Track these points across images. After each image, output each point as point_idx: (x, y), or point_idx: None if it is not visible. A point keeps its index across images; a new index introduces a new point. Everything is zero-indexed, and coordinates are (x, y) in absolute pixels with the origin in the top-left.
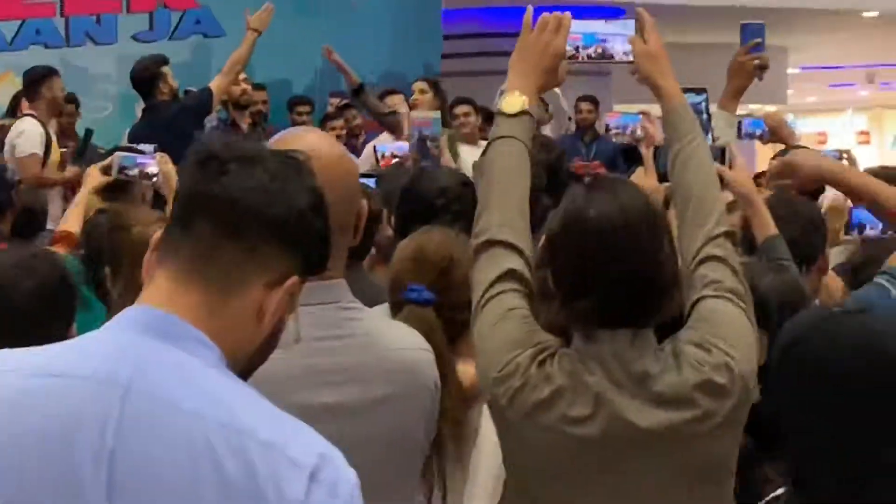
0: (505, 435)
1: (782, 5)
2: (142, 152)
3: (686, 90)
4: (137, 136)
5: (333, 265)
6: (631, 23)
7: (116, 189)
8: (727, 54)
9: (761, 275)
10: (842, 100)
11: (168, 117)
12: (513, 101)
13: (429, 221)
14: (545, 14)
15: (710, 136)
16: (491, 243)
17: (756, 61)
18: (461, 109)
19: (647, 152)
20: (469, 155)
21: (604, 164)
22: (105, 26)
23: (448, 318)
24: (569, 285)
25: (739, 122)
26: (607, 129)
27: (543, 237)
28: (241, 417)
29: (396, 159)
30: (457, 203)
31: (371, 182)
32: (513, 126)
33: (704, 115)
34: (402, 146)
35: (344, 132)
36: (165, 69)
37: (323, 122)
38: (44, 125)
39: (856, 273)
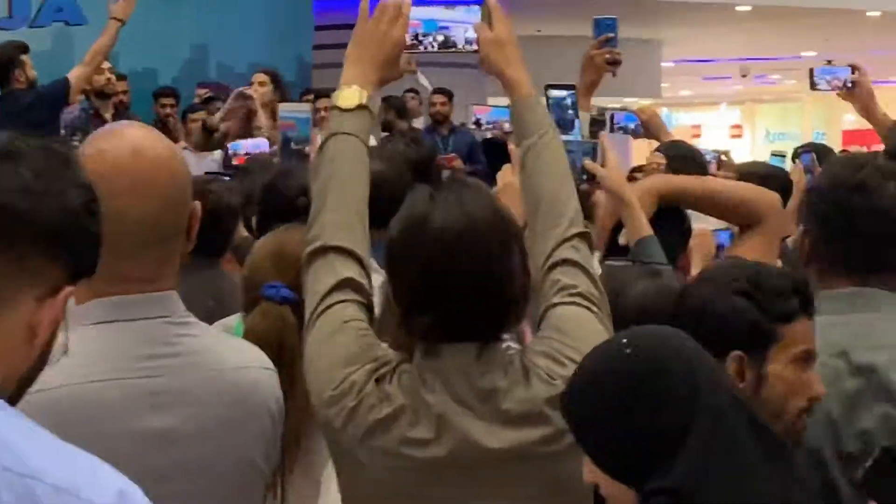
0: (340, 460)
1: None
2: None
3: (553, 86)
4: None
5: (162, 274)
6: (476, 9)
7: None
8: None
9: (634, 280)
10: (716, 93)
11: (22, 106)
12: (349, 94)
13: (290, 221)
14: (383, 1)
15: (577, 132)
16: (326, 249)
17: (607, 56)
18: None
19: (514, 148)
20: None
21: (461, 159)
22: None
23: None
24: (409, 297)
25: (611, 116)
26: (478, 123)
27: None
28: (25, 459)
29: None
30: None
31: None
32: (349, 121)
33: (571, 111)
34: (259, 143)
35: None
36: (24, 57)
37: (185, 114)
38: None
39: None
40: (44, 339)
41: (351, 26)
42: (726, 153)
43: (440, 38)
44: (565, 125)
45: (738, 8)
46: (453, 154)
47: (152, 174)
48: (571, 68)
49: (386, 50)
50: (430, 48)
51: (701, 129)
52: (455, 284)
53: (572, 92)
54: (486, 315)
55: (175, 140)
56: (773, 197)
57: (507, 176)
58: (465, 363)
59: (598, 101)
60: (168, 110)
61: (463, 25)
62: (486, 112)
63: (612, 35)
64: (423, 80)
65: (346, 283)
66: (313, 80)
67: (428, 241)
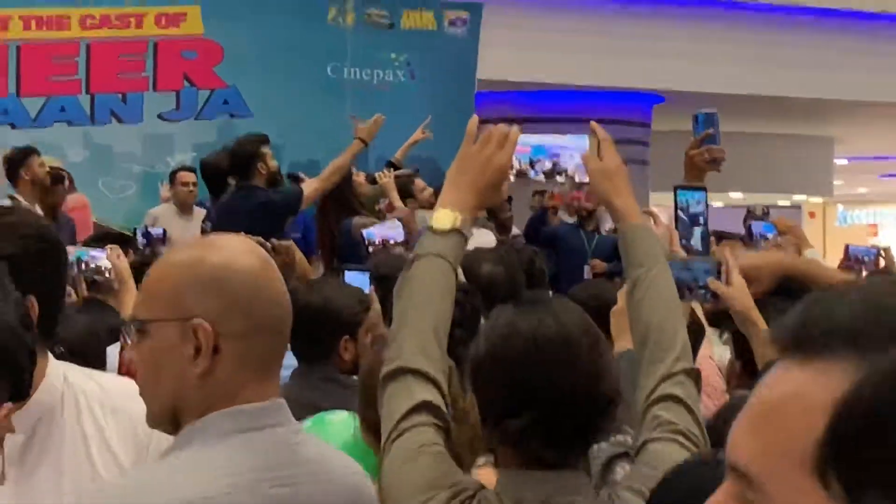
0: None
1: (827, 96)
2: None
3: (684, 188)
4: (220, 210)
5: (272, 381)
6: (584, 137)
7: None
8: (770, 142)
9: None
10: (892, 191)
11: (253, 205)
12: (443, 217)
13: None
14: (490, 128)
15: (705, 228)
16: (403, 371)
17: (706, 155)
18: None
19: None
20: None
21: (604, 259)
22: (131, 105)
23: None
24: (501, 405)
25: (749, 227)
26: (615, 231)
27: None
28: None
29: (388, 247)
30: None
31: (364, 277)
32: (440, 243)
33: (701, 214)
34: (393, 234)
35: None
36: (265, 149)
37: None
38: (27, 205)
39: None
40: None
41: (513, 120)
42: (886, 249)
43: (548, 164)
44: (697, 229)
45: None
46: (596, 259)
47: (254, 281)
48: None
49: (487, 175)
50: (538, 175)
51: (878, 228)
52: (548, 388)
53: (704, 193)
54: (578, 417)
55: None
56: None
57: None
58: (549, 491)
59: (767, 198)
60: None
61: (571, 152)
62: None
63: (711, 131)
64: (583, 177)
65: (422, 406)
66: None
67: (519, 346)
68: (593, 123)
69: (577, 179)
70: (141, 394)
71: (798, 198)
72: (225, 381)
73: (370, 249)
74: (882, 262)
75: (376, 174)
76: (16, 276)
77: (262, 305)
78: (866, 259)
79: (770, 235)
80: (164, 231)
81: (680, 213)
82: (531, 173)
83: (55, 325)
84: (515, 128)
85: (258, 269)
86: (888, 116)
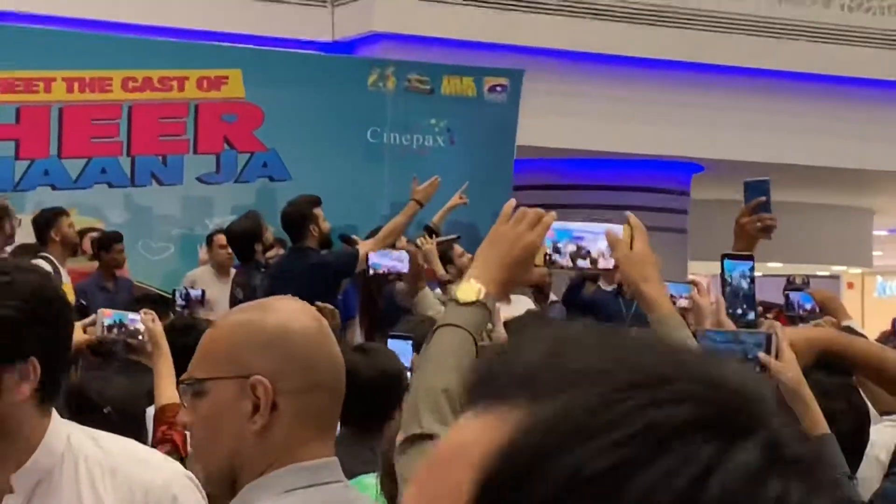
0: None
1: (867, 167)
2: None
3: (730, 256)
4: (273, 272)
5: (329, 439)
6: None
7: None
8: (811, 212)
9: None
10: None
11: (305, 266)
12: (468, 289)
13: None
14: (525, 208)
15: (753, 298)
16: (421, 437)
17: (758, 224)
18: None
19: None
20: None
21: (642, 326)
22: (171, 167)
23: None
24: None
25: (787, 297)
26: None
27: None
28: None
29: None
30: None
31: (407, 345)
32: (462, 315)
33: (749, 285)
34: (396, 264)
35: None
36: (317, 211)
37: None
38: (56, 265)
39: None
40: None
41: (551, 187)
42: None
43: (572, 247)
44: (744, 300)
45: None
46: (635, 329)
47: (310, 343)
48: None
49: (515, 252)
50: (565, 262)
51: None
52: None
53: (751, 264)
54: None
55: None
56: None
57: None
58: None
59: (807, 268)
60: None
61: (596, 235)
62: None
63: (763, 199)
64: None
65: None
66: None
67: None
68: (629, 214)
69: (599, 265)
70: (196, 457)
71: (837, 268)
72: (283, 439)
73: (371, 272)
74: None
75: (417, 240)
76: (13, 338)
77: (320, 363)
78: None
79: (808, 306)
80: (203, 292)
81: (727, 282)
82: (556, 257)
83: (59, 387)
84: (552, 213)
85: (314, 329)
86: None
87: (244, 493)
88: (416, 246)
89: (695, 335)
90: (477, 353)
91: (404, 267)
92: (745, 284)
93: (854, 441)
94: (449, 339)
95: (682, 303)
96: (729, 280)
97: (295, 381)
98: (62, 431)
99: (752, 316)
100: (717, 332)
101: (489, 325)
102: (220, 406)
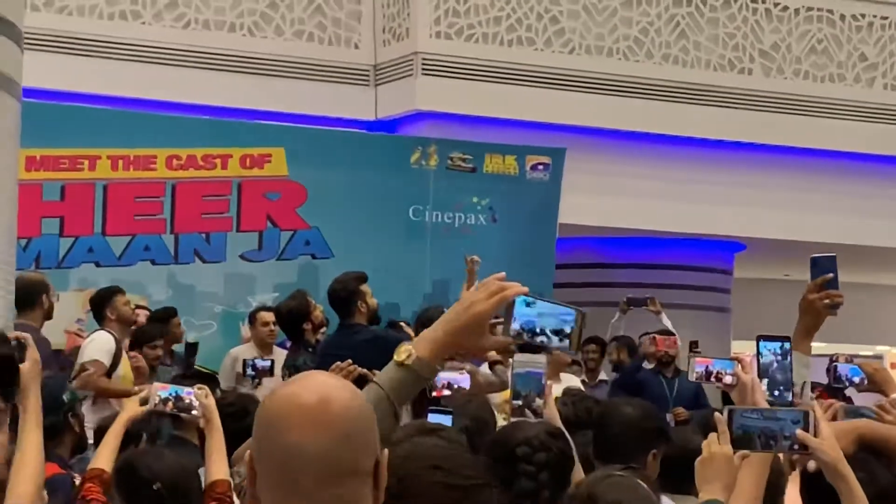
0: None
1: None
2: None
3: (766, 338)
4: (323, 348)
5: None
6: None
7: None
8: (853, 292)
9: None
10: None
11: (356, 343)
12: (402, 349)
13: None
14: (491, 279)
15: (790, 381)
16: None
17: (826, 300)
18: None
19: (720, 417)
20: None
21: (686, 406)
22: (214, 244)
23: None
24: None
25: (835, 368)
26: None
27: None
28: None
29: (448, 391)
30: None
31: (447, 419)
32: (387, 373)
33: (786, 361)
34: (460, 379)
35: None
36: (364, 287)
37: None
38: (116, 339)
39: None
40: None
41: (593, 265)
42: None
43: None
44: (781, 383)
45: None
46: (680, 409)
47: (326, 411)
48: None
49: (463, 319)
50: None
51: None
52: None
53: (788, 344)
54: None
55: None
56: None
57: (712, 446)
58: None
59: (850, 348)
60: None
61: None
62: (704, 363)
63: (831, 275)
64: (666, 322)
65: None
66: None
67: None
68: (814, 403)
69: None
70: None
71: (881, 348)
72: None
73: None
74: None
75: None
76: None
77: (269, 435)
78: None
79: (857, 379)
80: (272, 363)
81: (762, 364)
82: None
83: None
84: (517, 287)
85: (277, 397)
86: None
87: None
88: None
89: (731, 413)
90: (395, 414)
91: (466, 382)
92: (782, 366)
93: None
94: (371, 396)
95: (728, 379)
96: (765, 362)
97: (257, 463)
98: None
99: (789, 397)
100: (753, 410)
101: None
102: None
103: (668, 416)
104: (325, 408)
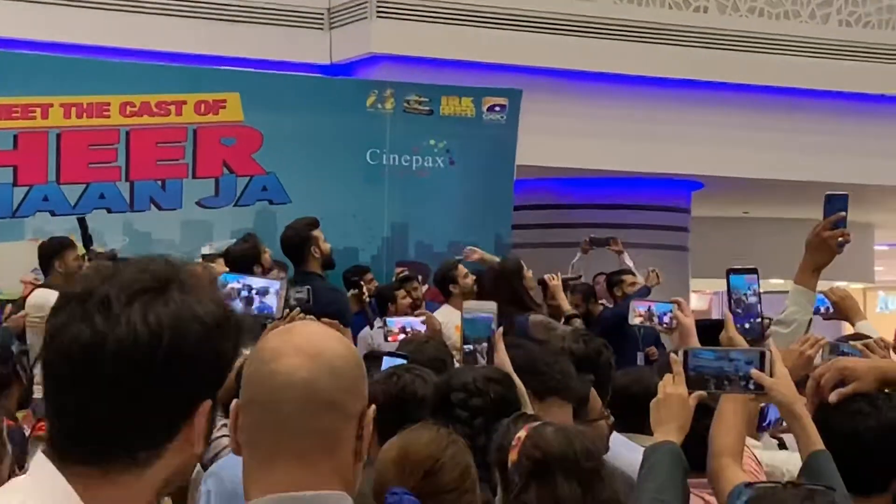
0: None
1: (867, 182)
2: None
3: (736, 271)
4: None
5: (329, 469)
6: None
7: None
8: (805, 228)
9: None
10: None
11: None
12: None
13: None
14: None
15: (759, 311)
16: None
17: (840, 238)
18: None
19: (675, 358)
20: None
21: (655, 344)
22: (170, 192)
23: None
24: None
25: None
26: (643, 317)
27: None
28: None
29: (404, 335)
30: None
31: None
32: None
33: (754, 297)
34: (413, 321)
35: (406, 301)
36: (316, 232)
37: (380, 292)
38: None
39: None
40: None
41: (551, 206)
42: None
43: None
44: (747, 311)
45: None
46: (652, 348)
47: (315, 347)
48: (777, 249)
49: None
50: None
51: None
52: None
53: (756, 276)
54: None
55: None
56: None
57: (666, 387)
58: None
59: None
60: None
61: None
62: (645, 306)
63: (843, 214)
64: (628, 262)
65: None
66: None
67: None
68: (771, 343)
69: None
70: None
71: (839, 284)
72: (247, 459)
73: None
74: None
75: (545, 276)
76: None
77: (256, 379)
78: None
79: (822, 308)
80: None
81: (733, 297)
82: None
83: None
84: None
85: (269, 348)
86: None
87: None
88: (544, 282)
89: (686, 354)
90: None
91: (421, 327)
92: (751, 299)
93: None
94: None
95: (666, 320)
96: (735, 295)
97: (242, 399)
98: None
99: (758, 329)
100: (707, 351)
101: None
102: None
103: (640, 356)
104: (316, 344)
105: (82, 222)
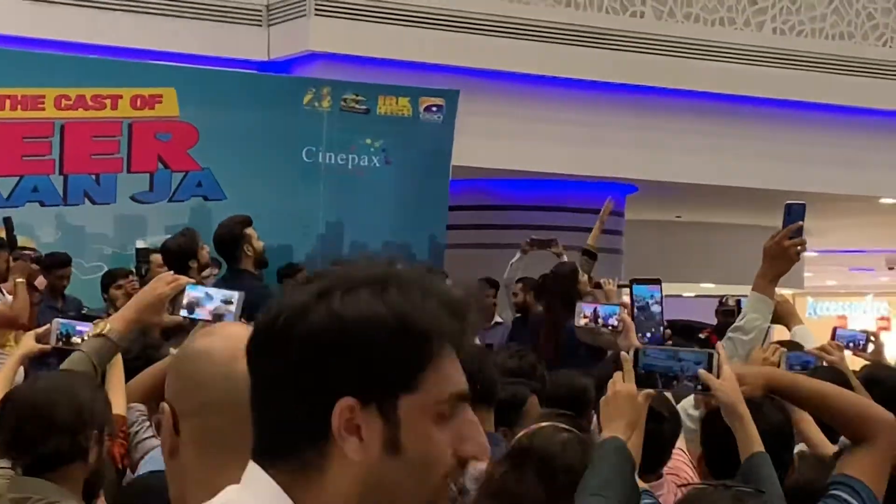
0: None
1: (798, 189)
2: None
3: (639, 281)
4: None
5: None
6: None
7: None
8: (743, 234)
9: None
10: (862, 284)
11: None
12: (100, 325)
13: None
14: (164, 274)
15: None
16: None
17: (798, 247)
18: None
19: (626, 356)
20: None
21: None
22: (104, 186)
23: None
24: None
25: (737, 303)
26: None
27: None
28: None
29: None
30: None
31: None
32: (88, 343)
33: (657, 306)
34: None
35: None
36: (249, 230)
37: None
38: None
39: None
40: None
41: (486, 207)
42: (875, 334)
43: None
44: (652, 326)
45: (881, 201)
46: None
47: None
48: (708, 253)
49: (146, 300)
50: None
51: (847, 321)
52: None
53: (659, 287)
54: None
55: None
56: (888, 418)
57: (616, 384)
58: None
59: (739, 289)
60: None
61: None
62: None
63: (801, 223)
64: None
65: None
66: (445, 260)
67: None
68: (719, 345)
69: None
70: None
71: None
72: (189, 464)
73: None
74: (871, 347)
75: (601, 280)
76: None
77: (209, 383)
78: (852, 344)
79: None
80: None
81: (636, 306)
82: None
83: None
84: (184, 280)
85: (216, 348)
86: (858, 210)
87: None
88: (600, 285)
89: (636, 352)
90: (95, 370)
91: None
92: (654, 307)
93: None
94: (76, 358)
95: (613, 321)
96: (639, 303)
97: (187, 403)
98: None
99: (660, 339)
100: (657, 350)
101: None
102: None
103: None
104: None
105: (7, 222)
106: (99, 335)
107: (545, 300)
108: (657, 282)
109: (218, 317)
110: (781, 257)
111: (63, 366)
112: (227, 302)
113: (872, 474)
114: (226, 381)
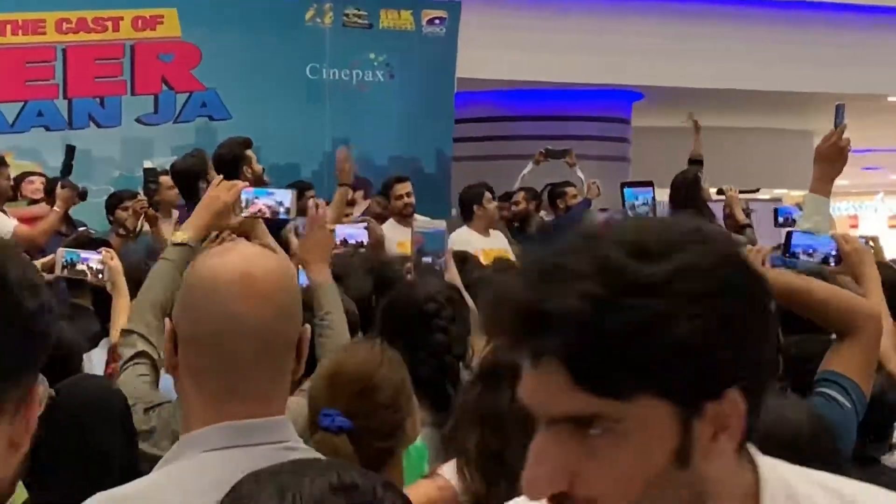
0: None
1: (806, 90)
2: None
3: (631, 184)
4: None
5: (275, 395)
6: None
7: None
8: (751, 137)
9: None
10: (873, 183)
11: None
12: (179, 234)
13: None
14: (226, 182)
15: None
16: (131, 331)
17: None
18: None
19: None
20: None
21: None
22: (109, 109)
23: (366, 446)
24: None
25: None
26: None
27: None
28: None
29: (347, 247)
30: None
31: None
32: (173, 252)
33: (645, 207)
34: (357, 234)
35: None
36: (249, 152)
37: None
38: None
39: (793, 371)
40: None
41: (492, 119)
42: (874, 238)
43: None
44: None
45: (890, 98)
46: None
47: (265, 285)
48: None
49: (212, 209)
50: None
51: (858, 220)
52: None
53: (649, 188)
54: None
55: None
56: (873, 308)
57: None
58: None
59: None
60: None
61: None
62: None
63: (846, 123)
64: (580, 174)
65: (140, 354)
66: (453, 172)
67: None
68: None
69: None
70: None
71: (778, 192)
72: (188, 389)
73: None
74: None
75: (724, 187)
76: None
77: (203, 313)
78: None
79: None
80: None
81: (627, 211)
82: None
83: None
84: (241, 183)
85: (224, 283)
86: (868, 109)
87: (175, 448)
88: (722, 192)
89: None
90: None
91: (363, 236)
92: (641, 209)
93: None
94: (160, 271)
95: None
96: (631, 208)
97: (184, 329)
98: None
99: None
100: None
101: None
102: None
103: None
104: (264, 277)
105: (70, 149)
106: (178, 244)
107: (672, 205)
108: (648, 184)
109: (274, 212)
110: (839, 158)
111: (150, 275)
112: (279, 203)
113: (858, 369)
114: (212, 319)
